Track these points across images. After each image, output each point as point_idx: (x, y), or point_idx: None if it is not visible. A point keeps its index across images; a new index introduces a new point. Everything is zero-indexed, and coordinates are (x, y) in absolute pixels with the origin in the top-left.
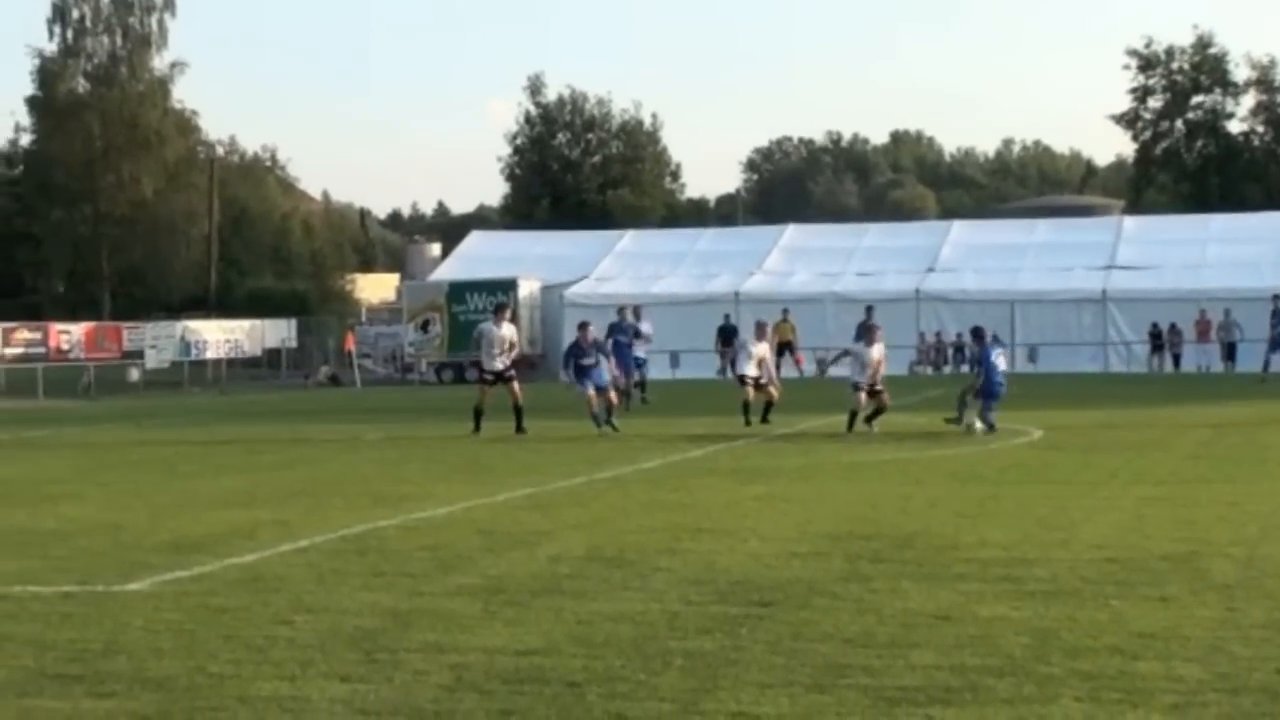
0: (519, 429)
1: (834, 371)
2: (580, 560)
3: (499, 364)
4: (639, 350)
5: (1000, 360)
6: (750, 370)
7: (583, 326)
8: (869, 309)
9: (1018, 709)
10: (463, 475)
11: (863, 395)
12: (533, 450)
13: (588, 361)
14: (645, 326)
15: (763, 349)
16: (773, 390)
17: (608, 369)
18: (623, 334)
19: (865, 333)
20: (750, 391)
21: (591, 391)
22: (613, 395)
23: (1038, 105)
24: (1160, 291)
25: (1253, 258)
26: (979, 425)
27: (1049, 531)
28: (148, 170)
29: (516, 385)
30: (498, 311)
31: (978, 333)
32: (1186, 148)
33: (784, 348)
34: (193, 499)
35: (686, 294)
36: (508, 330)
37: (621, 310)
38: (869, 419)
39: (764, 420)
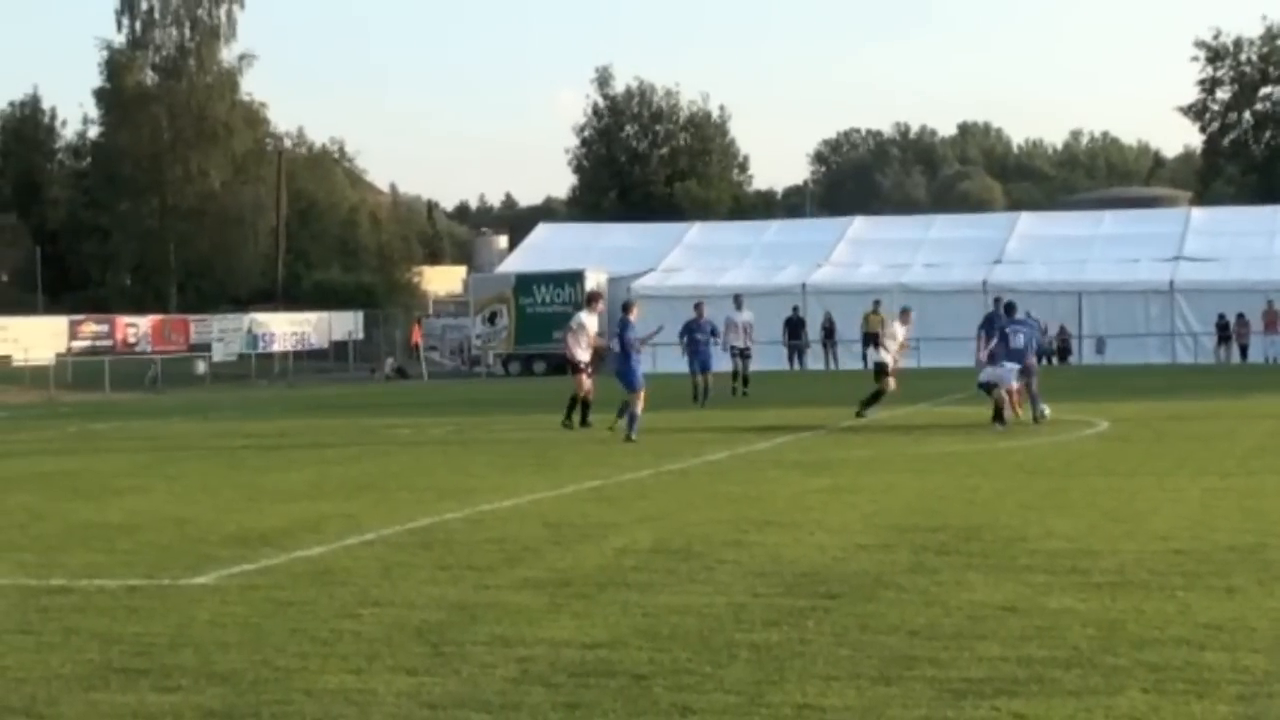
0: (584, 422)
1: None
2: (646, 553)
3: (587, 355)
4: (739, 340)
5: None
6: (888, 358)
7: (626, 308)
8: (997, 301)
9: (1084, 700)
10: (529, 468)
11: (1015, 389)
12: (599, 443)
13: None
14: (746, 315)
15: (903, 334)
16: (890, 382)
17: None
18: (699, 331)
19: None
20: (891, 382)
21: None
22: (631, 400)
23: (1106, 97)
24: (1227, 283)
25: None
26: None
27: (1115, 523)
28: (215, 162)
29: (584, 377)
30: (591, 301)
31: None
32: (1254, 139)
33: (872, 339)
34: (259, 492)
35: (754, 286)
36: (597, 321)
37: (699, 306)
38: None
39: (859, 413)
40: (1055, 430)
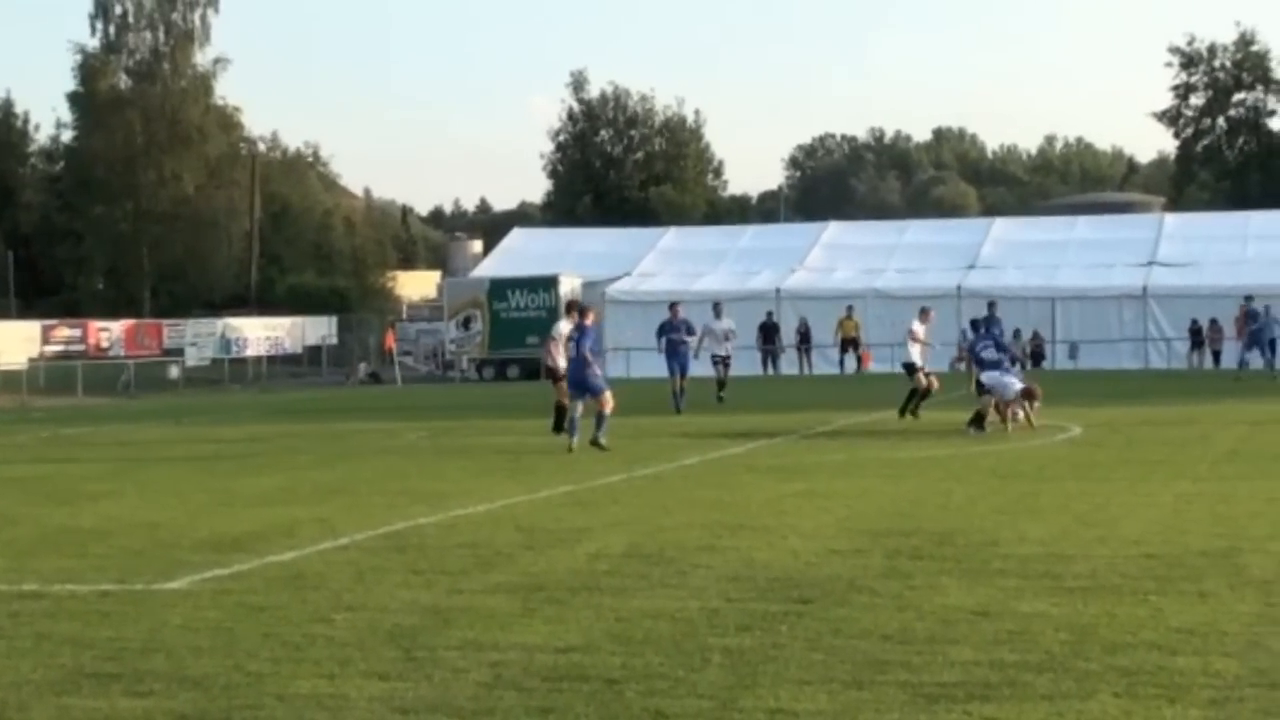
0: (559, 428)
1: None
2: (620, 557)
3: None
4: (722, 348)
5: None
6: (917, 357)
7: (582, 311)
8: (991, 305)
9: (1056, 705)
10: (503, 473)
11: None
12: (574, 448)
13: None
14: (726, 323)
15: (923, 333)
16: (932, 380)
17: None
18: (674, 332)
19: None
20: (923, 379)
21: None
22: (604, 402)
23: (1080, 102)
24: (1201, 288)
25: None
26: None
27: (1088, 528)
28: (189, 166)
29: (565, 384)
30: (570, 310)
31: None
32: (1228, 145)
33: (849, 344)
34: (232, 497)
35: (728, 291)
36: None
37: (674, 306)
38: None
39: (911, 413)
40: (1028, 435)
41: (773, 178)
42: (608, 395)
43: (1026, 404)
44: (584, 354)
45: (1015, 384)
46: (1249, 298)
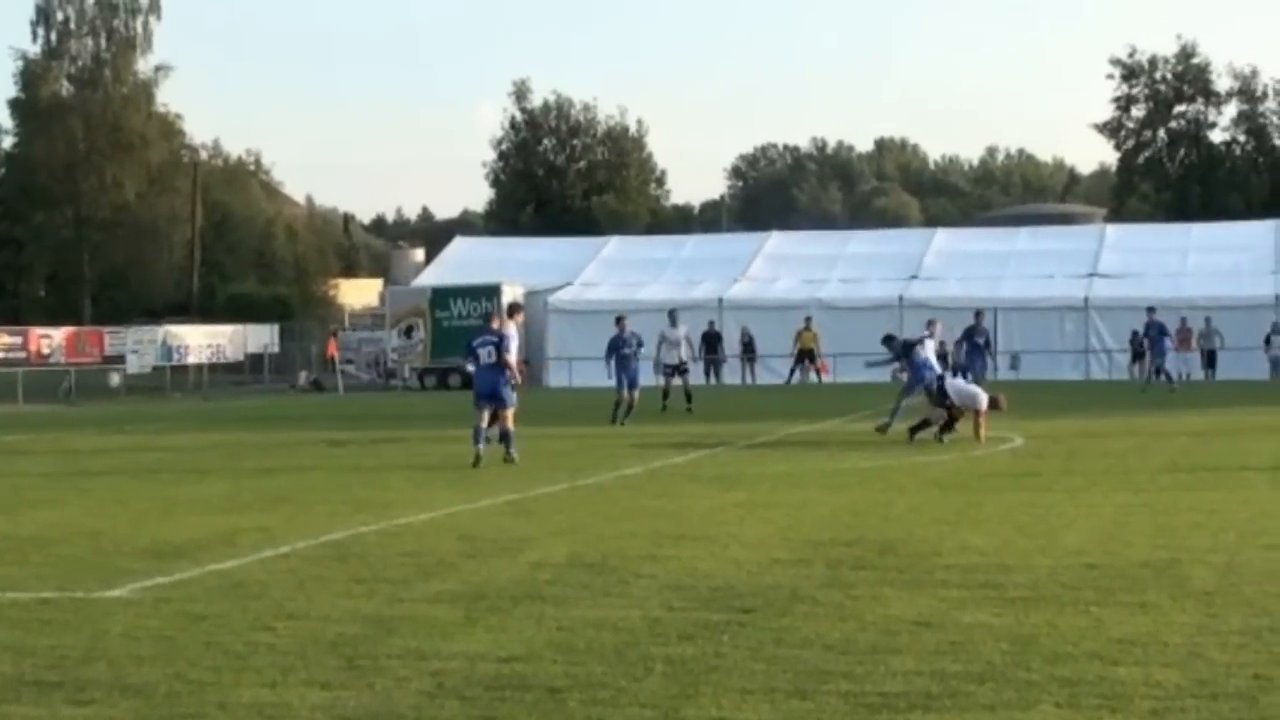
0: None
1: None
2: (562, 566)
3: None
4: (675, 356)
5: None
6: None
7: (514, 309)
8: (978, 314)
9: (998, 715)
10: (445, 481)
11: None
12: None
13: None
14: (681, 330)
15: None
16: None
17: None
18: (626, 346)
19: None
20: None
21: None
22: (510, 417)
23: (1022, 113)
24: (1142, 300)
25: (1233, 266)
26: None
27: (1030, 538)
28: (130, 174)
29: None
30: (513, 313)
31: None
32: (1168, 157)
33: (805, 355)
34: (173, 505)
35: (670, 301)
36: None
37: (621, 321)
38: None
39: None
40: (970, 446)
41: (715, 187)
42: (512, 411)
43: (984, 416)
44: (505, 361)
45: (983, 395)
46: (1151, 309)
